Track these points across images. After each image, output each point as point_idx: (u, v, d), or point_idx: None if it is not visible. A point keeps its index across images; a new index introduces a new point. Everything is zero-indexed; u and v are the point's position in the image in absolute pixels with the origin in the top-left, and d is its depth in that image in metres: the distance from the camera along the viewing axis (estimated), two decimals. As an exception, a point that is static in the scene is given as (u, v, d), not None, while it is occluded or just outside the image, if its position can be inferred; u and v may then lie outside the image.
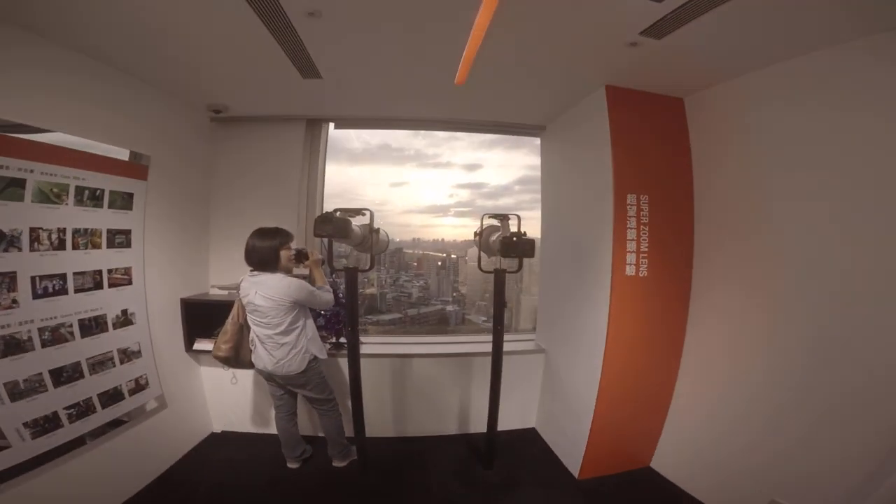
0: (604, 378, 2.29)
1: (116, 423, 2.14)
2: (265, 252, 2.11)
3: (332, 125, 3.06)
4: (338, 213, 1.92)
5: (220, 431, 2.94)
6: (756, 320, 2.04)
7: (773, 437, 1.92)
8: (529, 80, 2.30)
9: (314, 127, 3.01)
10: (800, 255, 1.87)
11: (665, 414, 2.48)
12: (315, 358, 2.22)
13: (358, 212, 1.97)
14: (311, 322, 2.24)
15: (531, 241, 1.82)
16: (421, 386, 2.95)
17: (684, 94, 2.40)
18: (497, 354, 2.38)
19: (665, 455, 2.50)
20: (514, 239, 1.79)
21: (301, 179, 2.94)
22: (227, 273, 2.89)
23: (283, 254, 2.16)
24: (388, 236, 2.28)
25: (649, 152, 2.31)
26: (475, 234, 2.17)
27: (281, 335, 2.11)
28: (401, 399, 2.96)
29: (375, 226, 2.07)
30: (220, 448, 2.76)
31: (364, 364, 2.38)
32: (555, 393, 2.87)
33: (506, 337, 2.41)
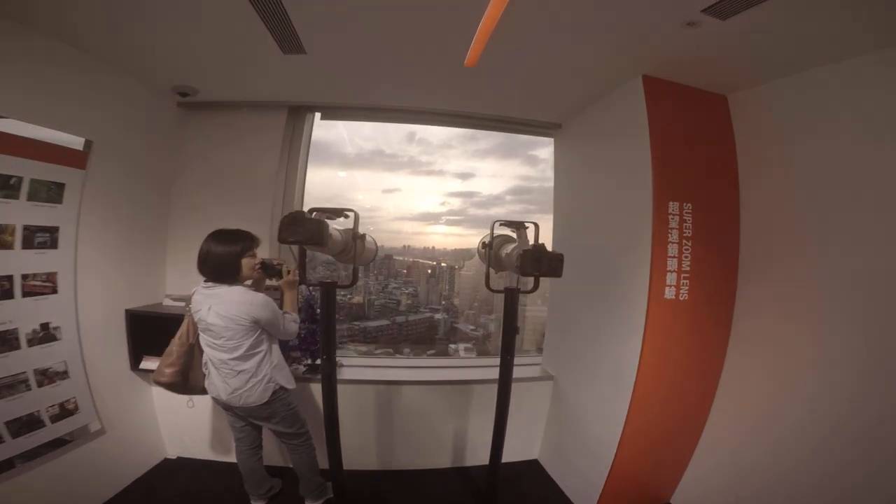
0: (632, 413, 1.97)
1: (33, 455, 1.76)
2: (223, 259, 1.72)
3: (318, 115, 2.67)
4: (314, 214, 1.52)
5: (174, 457, 2.57)
6: (804, 348, 1.76)
7: (807, 472, 1.68)
8: (550, 66, 1.95)
9: (297, 116, 2.61)
10: (860, 277, 1.57)
11: (694, 448, 2.19)
12: (282, 388, 1.85)
13: (339, 213, 1.57)
14: (276, 346, 1.86)
15: (559, 258, 1.43)
16: (410, 415, 2.62)
17: (728, 91, 2.08)
18: (504, 389, 2.01)
19: (688, 489, 2.21)
20: (539, 253, 1.41)
21: (278, 176, 2.54)
22: (186, 281, 2.45)
23: (246, 262, 1.76)
24: (376, 244, 1.89)
25: (692, 155, 1.97)
26: (482, 244, 1.79)
27: (238, 360, 1.74)
28: (386, 428, 2.61)
29: (361, 230, 1.67)
30: (174, 476, 2.42)
31: (344, 390, 2.08)
32: (564, 424, 2.57)
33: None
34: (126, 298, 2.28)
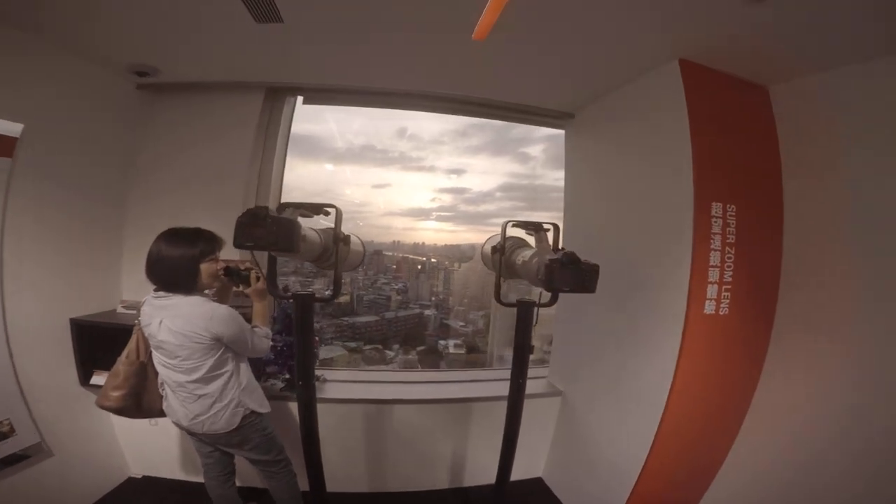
0: (660, 437, 1.75)
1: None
2: (176, 264, 1.42)
3: (300, 99, 2.36)
4: (287, 211, 1.21)
5: (139, 476, 2.32)
6: (845, 368, 1.58)
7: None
8: (570, 45, 1.67)
9: (275, 99, 2.29)
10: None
11: (718, 469, 1.99)
12: (253, 412, 1.58)
13: (317, 210, 1.27)
14: (245, 366, 1.59)
15: (594, 269, 1.15)
16: (402, 434, 2.37)
17: (769, 82, 1.83)
18: (515, 414, 1.75)
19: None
20: (571, 264, 1.11)
21: (252, 168, 2.21)
22: (146, 286, 2.14)
23: (206, 268, 1.46)
24: (363, 246, 1.58)
25: (735, 150, 1.72)
26: (493, 249, 1.49)
27: (198, 384, 1.47)
28: (376, 448, 2.35)
29: (346, 230, 1.37)
30: (139, 497, 2.20)
31: (329, 410, 1.97)
32: (574, 442, 2.38)
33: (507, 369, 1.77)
34: (72, 306, 1.99)
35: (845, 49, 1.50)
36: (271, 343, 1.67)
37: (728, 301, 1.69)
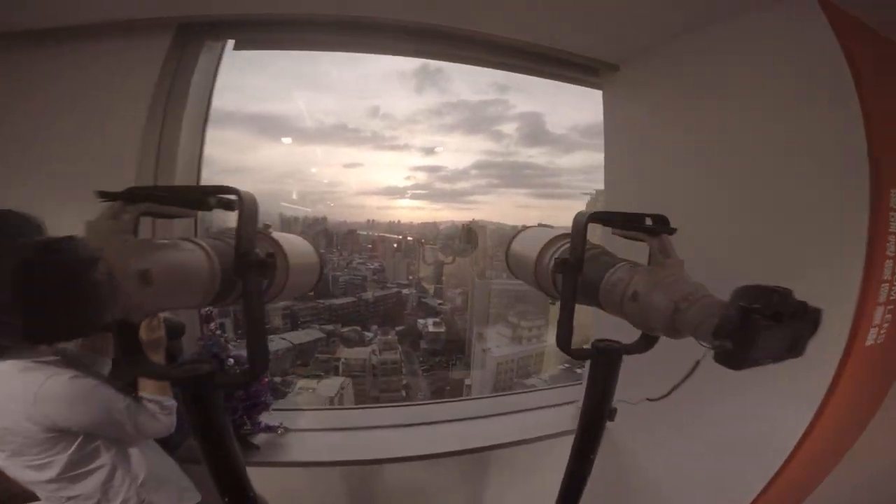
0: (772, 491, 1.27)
1: None
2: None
3: (230, 44, 1.61)
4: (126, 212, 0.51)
5: None
6: None
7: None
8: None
9: (189, 43, 1.53)
10: None
11: None
12: None
13: (200, 203, 0.57)
14: (139, 450, 1.10)
15: (816, 316, 0.53)
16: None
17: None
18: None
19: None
20: (776, 313, 0.47)
21: (147, 137, 1.46)
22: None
23: None
24: (318, 255, 0.89)
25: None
26: (558, 263, 0.82)
27: (60, 483, 1.00)
28: None
29: (278, 234, 0.71)
30: None
31: (290, 475, 1.59)
32: (631, 497, 1.79)
33: (529, 384, 1.29)
34: None
35: None
36: (173, 419, 1.09)
37: (889, 325, 1.14)
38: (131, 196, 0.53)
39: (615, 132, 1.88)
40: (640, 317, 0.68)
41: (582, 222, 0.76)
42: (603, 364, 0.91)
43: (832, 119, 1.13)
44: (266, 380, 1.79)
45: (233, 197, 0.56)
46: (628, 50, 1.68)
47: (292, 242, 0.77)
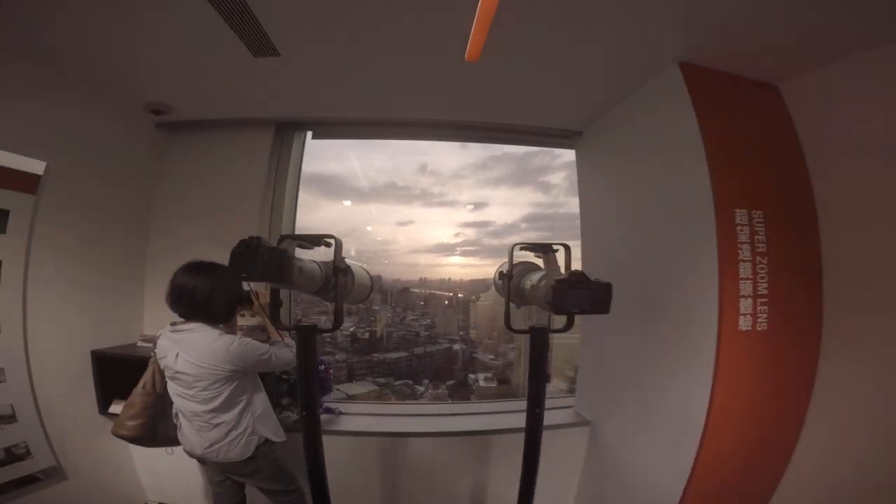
0: (699, 466, 1.59)
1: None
2: (209, 295, 1.51)
3: (309, 134, 2.41)
4: (285, 243, 1.19)
5: (155, 503, 2.33)
6: None
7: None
8: (566, 59, 1.66)
9: (284, 135, 2.35)
10: None
11: (769, 500, 1.78)
12: (267, 441, 1.62)
13: (317, 241, 1.24)
14: (261, 395, 1.64)
15: (606, 288, 1.06)
16: (421, 468, 2.28)
17: (777, 81, 1.74)
18: (533, 446, 1.59)
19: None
20: (578, 283, 1.03)
21: (265, 200, 2.25)
22: (168, 320, 2.20)
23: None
24: (370, 277, 1.54)
25: (752, 153, 1.62)
26: (500, 274, 1.42)
27: (215, 413, 1.53)
28: (391, 482, 2.27)
29: (349, 260, 1.34)
30: None
31: (341, 443, 2.02)
32: (606, 476, 2.23)
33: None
34: (93, 338, 2.06)
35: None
36: (294, 353, 1.60)
37: (766, 315, 1.54)
38: (286, 237, 1.20)
39: (586, 180, 2.47)
40: (537, 298, 1.25)
41: (510, 249, 1.36)
42: (536, 338, 1.45)
43: (694, 162, 1.58)
44: (330, 370, 2.42)
45: (331, 239, 1.22)
46: (584, 120, 2.30)
47: (357, 267, 1.42)
